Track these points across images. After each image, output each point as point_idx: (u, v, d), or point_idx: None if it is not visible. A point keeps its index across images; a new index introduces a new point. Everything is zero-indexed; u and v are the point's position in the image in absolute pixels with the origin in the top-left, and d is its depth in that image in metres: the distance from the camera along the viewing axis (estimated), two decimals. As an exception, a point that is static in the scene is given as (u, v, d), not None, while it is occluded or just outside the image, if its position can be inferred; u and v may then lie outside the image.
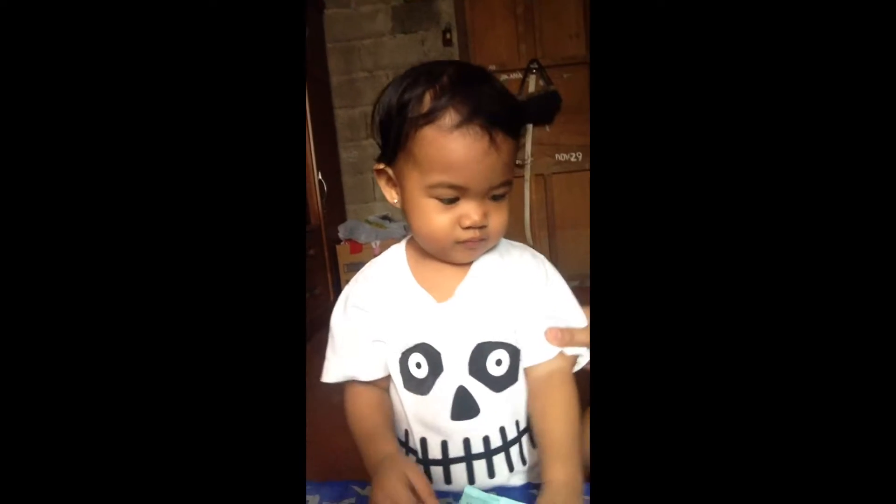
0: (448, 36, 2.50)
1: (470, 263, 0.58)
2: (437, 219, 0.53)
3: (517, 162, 0.57)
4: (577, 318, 0.57)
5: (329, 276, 2.37)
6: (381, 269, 0.61)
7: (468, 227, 0.52)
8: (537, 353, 0.56)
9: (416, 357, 0.56)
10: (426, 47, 2.54)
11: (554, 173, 2.55)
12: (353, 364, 0.58)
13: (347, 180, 2.69)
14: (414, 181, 0.52)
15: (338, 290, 2.40)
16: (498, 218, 0.54)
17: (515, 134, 0.52)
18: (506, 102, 0.52)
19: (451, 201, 0.52)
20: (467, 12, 2.55)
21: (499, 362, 0.56)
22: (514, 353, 0.56)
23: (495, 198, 0.53)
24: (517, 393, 0.57)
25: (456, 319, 0.56)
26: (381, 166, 0.56)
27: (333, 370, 0.59)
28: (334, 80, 2.62)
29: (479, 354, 0.55)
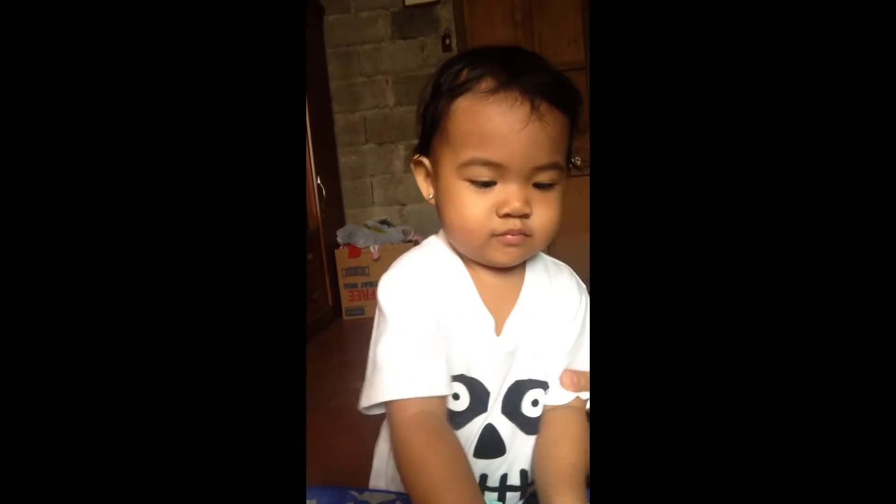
0: (448, 41, 2.51)
1: (520, 279, 0.51)
2: (470, 205, 0.45)
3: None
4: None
5: (327, 280, 2.37)
6: (439, 266, 0.49)
7: (506, 216, 0.44)
8: (560, 393, 0.51)
9: (457, 386, 0.48)
10: (426, 53, 2.55)
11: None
12: (429, 371, 0.44)
13: (346, 185, 2.69)
14: (447, 163, 0.46)
15: (336, 295, 2.40)
16: (545, 212, 0.45)
17: (565, 108, 0.45)
18: (555, 73, 0.45)
19: (487, 185, 0.44)
20: (466, 18, 2.57)
21: (535, 402, 0.50)
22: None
23: (541, 186, 0.45)
24: None
25: (507, 355, 0.49)
26: (419, 157, 0.50)
27: (398, 383, 0.44)
28: (333, 84, 2.63)
29: (516, 393, 0.50)
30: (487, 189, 0.44)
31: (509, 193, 0.44)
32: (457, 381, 0.48)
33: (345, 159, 2.68)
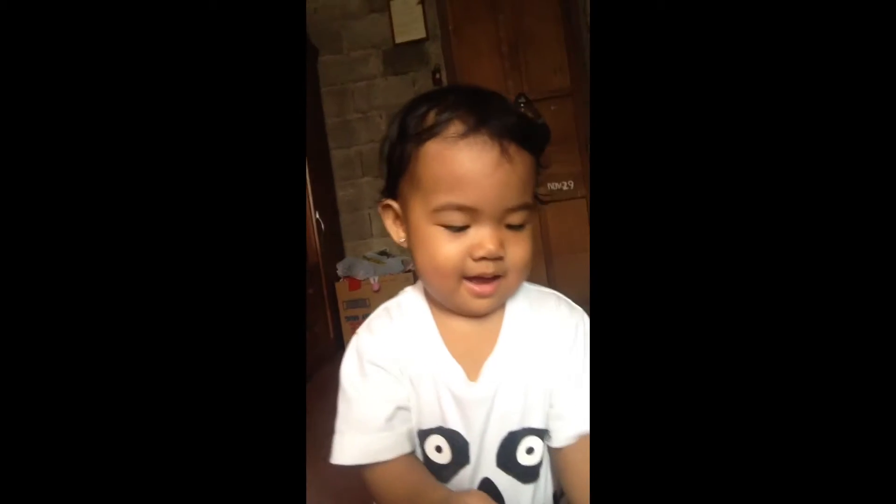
0: (437, 76, 2.57)
1: (499, 320, 0.49)
2: (444, 249, 0.45)
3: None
4: (581, 392, 0.48)
5: (328, 313, 2.36)
6: (402, 323, 0.51)
7: (481, 259, 0.44)
8: (569, 432, 0.48)
9: (437, 440, 0.49)
10: (417, 87, 2.61)
11: (547, 202, 2.57)
12: (380, 441, 0.47)
13: (344, 218, 2.71)
14: (418, 208, 0.46)
15: (338, 328, 2.38)
16: (518, 251, 0.45)
17: (532, 149, 0.46)
18: (519, 115, 0.46)
19: (461, 229, 0.44)
20: (454, 52, 2.63)
21: (530, 450, 0.49)
22: (546, 436, 0.49)
23: (513, 227, 0.45)
24: (545, 480, 0.50)
25: (488, 404, 0.48)
26: (387, 201, 0.50)
27: (353, 449, 0.48)
28: (329, 121, 2.68)
29: (510, 443, 0.48)
30: (461, 233, 0.45)
31: (483, 236, 0.44)
32: (436, 434, 0.49)
33: (342, 193, 2.70)
